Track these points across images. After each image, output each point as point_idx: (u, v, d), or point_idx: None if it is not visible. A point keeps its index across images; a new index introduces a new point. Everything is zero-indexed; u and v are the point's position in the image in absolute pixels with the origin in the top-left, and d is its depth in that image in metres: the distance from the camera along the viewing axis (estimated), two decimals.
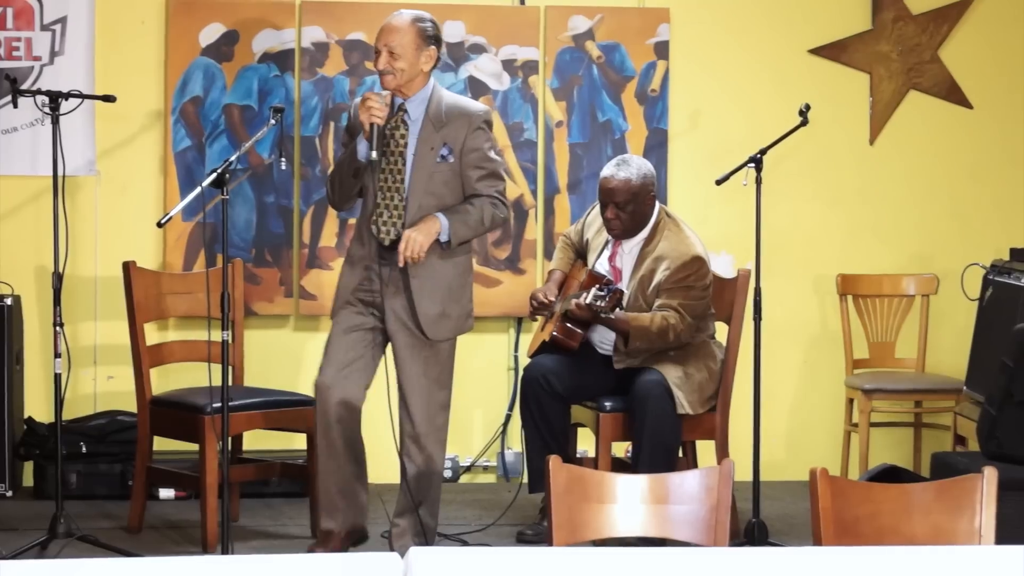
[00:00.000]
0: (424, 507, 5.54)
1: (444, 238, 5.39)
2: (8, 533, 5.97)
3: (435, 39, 5.43)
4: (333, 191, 5.55)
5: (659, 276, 5.91)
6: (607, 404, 5.96)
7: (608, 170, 5.99)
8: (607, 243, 6.09)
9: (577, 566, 2.94)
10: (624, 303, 5.92)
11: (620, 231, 5.99)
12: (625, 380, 5.94)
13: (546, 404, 5.98)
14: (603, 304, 5.71)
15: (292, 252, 6.95)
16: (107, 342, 6.88)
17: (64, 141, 5.77)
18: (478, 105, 5.63)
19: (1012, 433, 5.42)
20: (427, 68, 5.44)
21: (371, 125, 5.31)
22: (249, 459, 6.37)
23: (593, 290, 5.77)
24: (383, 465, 6.32)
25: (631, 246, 6.03)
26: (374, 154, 5.31)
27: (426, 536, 5.54)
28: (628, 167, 5.95)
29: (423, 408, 5.49)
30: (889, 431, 7.25)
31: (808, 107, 6.01)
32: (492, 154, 5.50)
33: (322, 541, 5.57)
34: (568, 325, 5.94)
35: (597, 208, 6.18)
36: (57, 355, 5.74)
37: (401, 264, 5.36)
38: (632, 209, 5.94)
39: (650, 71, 7.09)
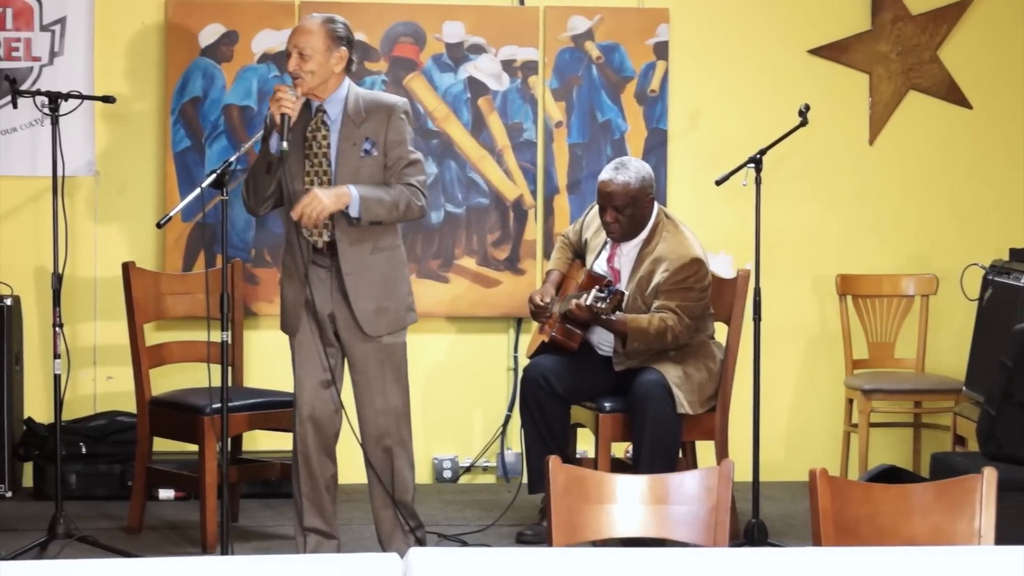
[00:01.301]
0: (403, 508, 5.52)
1: (354, 212, 5.28)
2: (8, 534, 5.97)
3: (346, 40, 5.40)
4: (248, 193, 5.45)
5: (658, 277, 5.90)
6: (607, 404, 5.96)
7: (606, 174, 5.98)
8: (605, 244, 6.09)
9: (577, 567, 2.93)
10: (624, 302, 5.92)
11: (619, 234, 5.98)
12: (625, 380, 5.93)
13: (546, 404, 5.98)
14: (604, 306, 5.71)
15: None
16: (106, 343, 6.88)
17: (63, 142, 5.77)
18: (396, 97, 5.57)
19: (1012, 433, 5.41)
20: (338, 69, 5.39)
21: (282, 116, 5.26)
22: (248, 460, 6.38)
23: (594, 291, 5.77)
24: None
25: (630, 247, 6.02)
26: (284, 144, 5.22)
27: (415, 532, 5.54)
28: (627, 170, 5.95)
29: (383, 409, 5.46)
30: (888, 431, 7.25)
31: (807, 107, 6.01)
32: (412, 145, 5.47)
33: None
34: (567, 326, 5.94)
35: (596, 208, 6.18)
36: (56, 356, 5.74)
37: (295, 218, 5.26)
38: (631, 212, 5.94)
39: (649, 71, 7.09)
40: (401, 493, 5.50)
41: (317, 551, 5.49)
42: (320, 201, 5.24)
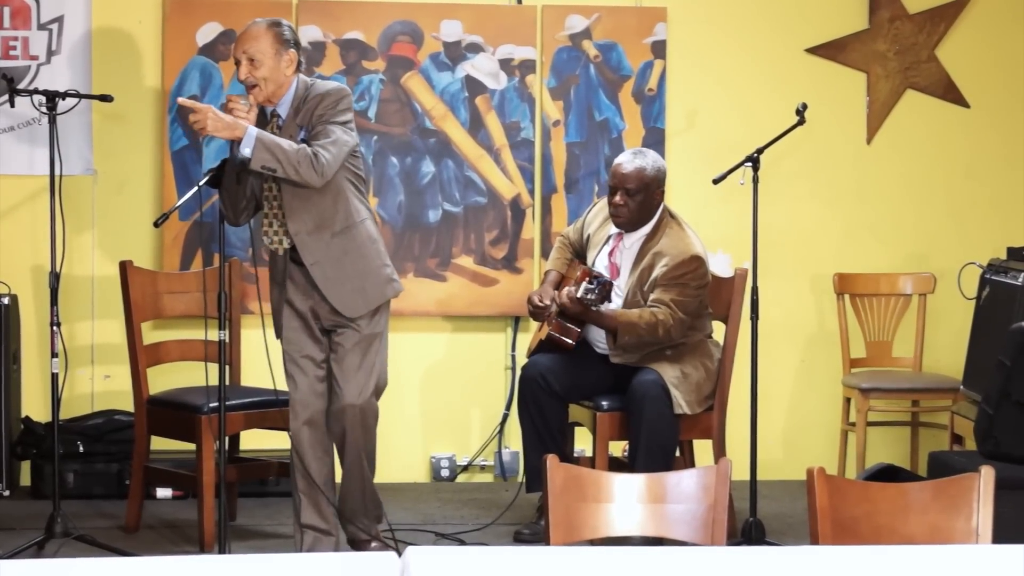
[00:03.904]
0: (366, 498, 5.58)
1: (245, 150, 5.15)
2: (5, 533, 5.97)
3: (293, 42, 5.38)
4: (225, 207, 5.40)
5: (657, 271, 5.92)
6: (604, 403, 5.96)
7: (623, 156, 6.05)
8: (608, 239, 6.10)
9: (574, 565, 2.93)
10: (623, 299, 5.93)
11: (626, 219, 5.99)
12: (622, 379, 5.94)
13: (544, 403, 5.98)
14: (593, 297, 5.73)
15: None
16: (104, 341, 6.88)
17: (61, 141, 5.77)
18: (334, 83, 5.52)
19: (1009, 432, 5.42)
20: (289, 72, 5.36)
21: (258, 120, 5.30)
22: (246, 458, 6.37)
23: (584, 283, 5.79)
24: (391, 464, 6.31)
25: (632, 241, 6.04)
26: (245, 151, 5.15)
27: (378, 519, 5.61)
28: (644, 157, 6.01)
29: (358, 395, 5.44)
30: (886, 430, 7.25)
31: (805, 106, 6.01)
32: (337, 122, 5.32)
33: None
34: (563, 322, 5.95)
35: (599, 205, 6.20)
36: (54, 355, 5.74)
37: (192, 122, 5.15)
38: (641, 199, 5.96)
39: (647, 70, 7.09)
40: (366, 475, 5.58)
41: (314, 548, 5.50)
42: (213, 119, 5.13)
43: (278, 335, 5.58)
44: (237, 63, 5.35)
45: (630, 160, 6.00)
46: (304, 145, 5.24)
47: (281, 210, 5.40)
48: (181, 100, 5.51)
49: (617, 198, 5.98)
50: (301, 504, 5.52)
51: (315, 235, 5.38)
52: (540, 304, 6.05)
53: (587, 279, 5.81)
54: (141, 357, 6.10)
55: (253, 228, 5.80)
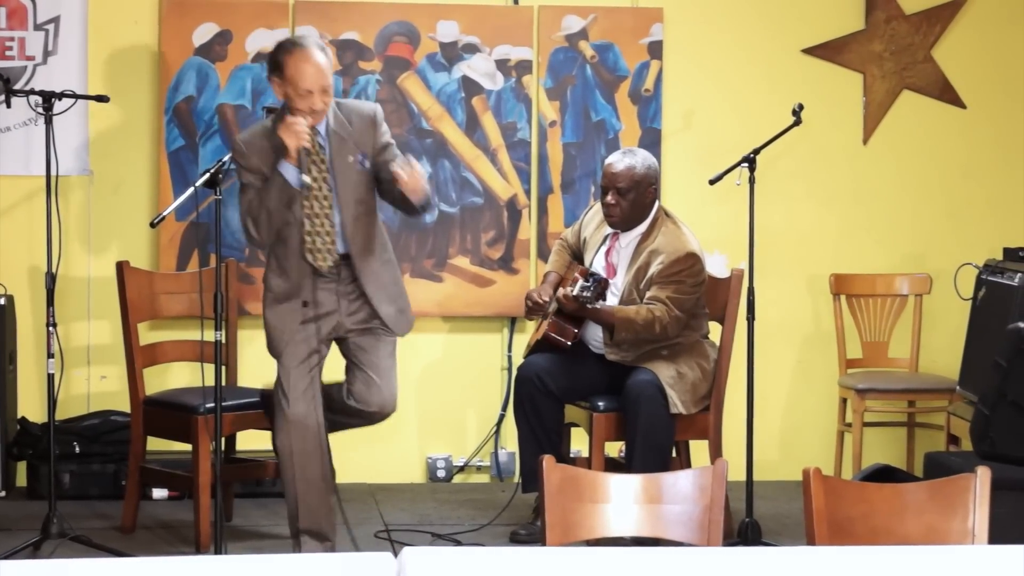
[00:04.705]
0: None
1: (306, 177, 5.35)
2: (1, 533, 5.96)
3: None
4: (260, 230, 5.38)
5: (653, 269, 5.92)
6: (600, 404, 5.96)
7: (614, 156, 6.06)
8: (604, 239, 6.10)
9: (571, 566, 2.93)
10: (619, 297, 5.94)
11: (619, 218, 6.00)
12: (618, 380, 5.94)
13: (540, 404, 5.99)
14: (588, 294, 5.74)
15: None
16: (100, 342, 6.87)
17: (57, 141, 5.76)
18: (370, 104, 5.69)
19: (1005, 433, 5.41)
20: None
21: (302, 150, 5.30)
22: (242, 459, 6.37)
23: (579, 281, 5.80)
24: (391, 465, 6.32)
25: (628, 240, 6.04)
26: (306, 178, 5.29)
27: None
28: (634, 156, 6.02)
29: (394, 401, 5.57)
30: (882, 431, 7.26)
31: (801, 107, 6.01)
32: (392, 143, 5.55)
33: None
34: (560, 321, 5.95)
35: (595, 207, 6.21)
36: (50, 355, 5.74)
37: (405, 179, 5.24)
38: (633, 198, 5.96)
39: (643, 71, 7.09)
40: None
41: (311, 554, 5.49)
42: (418, 173, 5.31)
43: (271, 352, 5.54)
44: (307, 93, 5.29)
45: (620, 159, 6.01)
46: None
47: (331, 228, 5.42)
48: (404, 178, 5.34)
49: (609, 198, 5.99)
50: (297, 509, 5.51)
51: (365, 257, 5.49)
52: (539, 300, 6.05)
53: (583, 278, 5.83)
54: (137, 358, 6.10)
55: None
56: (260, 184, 5.38)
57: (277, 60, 5.37)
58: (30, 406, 6.81)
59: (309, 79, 5.30)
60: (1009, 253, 6.69)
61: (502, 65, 7.03)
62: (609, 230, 6.09)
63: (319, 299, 5.47)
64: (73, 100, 5.95)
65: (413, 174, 5.25)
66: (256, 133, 5.48)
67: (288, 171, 5.32)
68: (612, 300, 5.98)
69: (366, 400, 5.51)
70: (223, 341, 5.37)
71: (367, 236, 5.49)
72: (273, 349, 5.53)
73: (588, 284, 5.77)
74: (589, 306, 5.79)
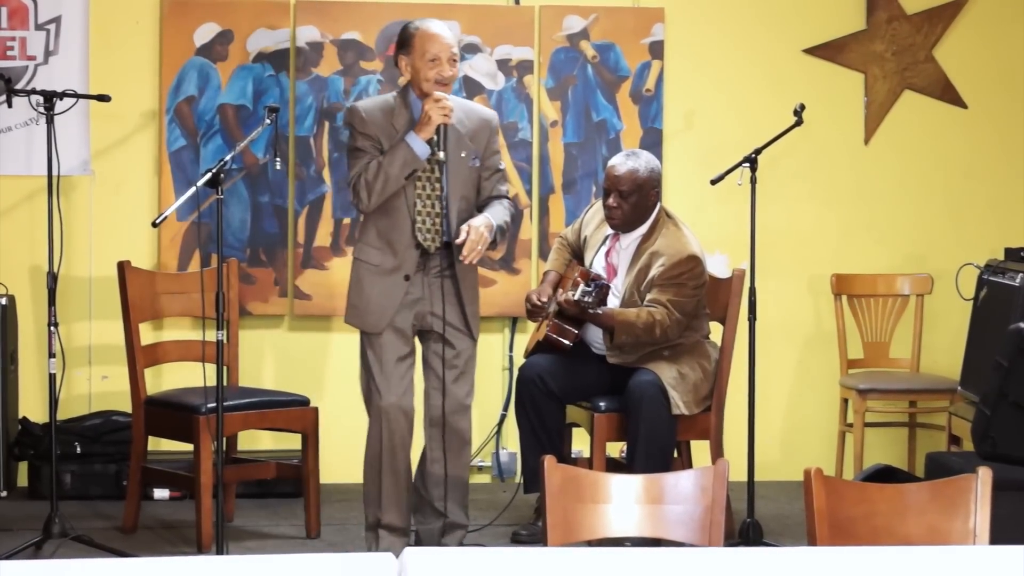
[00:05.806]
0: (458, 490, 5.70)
1: (491, 236, 5.52)
2: (3, 534, 5.97)
3: None
4: (371, 195, 5.45)
5: (653, 271, 5.92)
6: (602, 404, 5.96)
7: (617, 159, 6.04)
8: (605, 240, 6.10)
9: (572, 566, 2.93)
10: (620, 299, 5.94)
11: (620, 221, 6.00)
12: (620, 380, 5.94)
13: (541, 404, 5.99)
14: (590, 300, 5.74)
15: (287, 252, 6.95)
16: (102, 342, 6.87)
17: (59, 141, 5.76)
18: (489, 110, 5.85)
19: (1007, 433, 5.41)
20: None
21: (444, 126, 5.43)
22: (244, 459, 6.37)
23: (581, 286, 5.81)
24: None
25: (628, 242, 6.04)
26: (441, 154, 5.43)
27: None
28: (637, 158, 6.01)
29: (463, 401, 5.66)
30: (884, 431, 7.25)
31: (803, 107, 6.01)
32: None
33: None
34: (560, 323, 5.95)
35: (596, 206, 6.20)
36: (52, 355, 5.74)
37: (468, 260, 5.44)
38: (635, 200, 5.96)
39: (645, 71, 7.09)
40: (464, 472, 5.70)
41: (390, 550, 5.48)
42: (484, 237, 5.45)
43: (364, 326, 5.55)
44: (435, 60, 5.46)
45: (623, 162, 6.00)
46: (503, 203, 5.64)
47: (443, 214, 5.51)
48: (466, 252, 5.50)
49: (611, 200, 5.98)
50: (384, 504, 5.55)
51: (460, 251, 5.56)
52: (538, 303, 6.05)
53: (585, 282, 5.82)
54: (139, 357, 6.10)
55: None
56: (375, 153, 5.47)
57: (404, 38, 5.54)
58: (31, 406, 6.81)
59: (437, 46, 5.48)
60: (1010, 253, 6.69)
61: (503, 65, 7.03)
62: (609, 230, 6.09)
63: (422, 277, 5.54)
64: (74, 100, 5.95)
65: (472, 243, 5.42)
66: (376, 105, 5.58)
67: (417, 144, 5.43)
68: (613, 301, 5.97)
69: (450, 413, 5.61)
70: (224, 341, 5.37)
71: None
72: (366, 322, 5.55)
73: (590, 289, 5.76)
74: (591, 311, 5.79)
